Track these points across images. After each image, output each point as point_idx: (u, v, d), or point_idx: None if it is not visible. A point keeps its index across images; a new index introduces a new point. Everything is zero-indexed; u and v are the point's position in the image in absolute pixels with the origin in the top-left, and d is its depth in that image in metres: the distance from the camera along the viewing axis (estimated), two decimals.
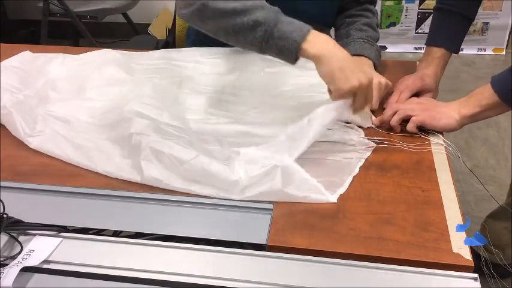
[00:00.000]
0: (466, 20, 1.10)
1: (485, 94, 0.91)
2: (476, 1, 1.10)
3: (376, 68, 1.10)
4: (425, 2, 3.03)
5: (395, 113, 0.95)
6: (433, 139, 0.93)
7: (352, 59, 0.89)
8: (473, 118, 0.93)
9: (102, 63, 1.16)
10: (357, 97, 0.87)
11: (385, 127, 0.96)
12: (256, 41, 0.88)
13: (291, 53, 0.87)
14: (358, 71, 0.86)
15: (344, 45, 1.12)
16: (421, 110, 0.94)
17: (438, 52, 1.08)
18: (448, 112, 0.93)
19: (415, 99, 1.01)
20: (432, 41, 1.10)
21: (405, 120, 0.95)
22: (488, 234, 1.39)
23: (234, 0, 0.89)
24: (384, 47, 3.10)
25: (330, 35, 1.21)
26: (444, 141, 0.92)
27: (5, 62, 1.14)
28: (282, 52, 0.88)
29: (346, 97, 0.87)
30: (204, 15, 0.91)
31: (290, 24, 0.87)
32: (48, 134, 0.94)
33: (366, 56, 1.10)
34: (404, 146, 0.91)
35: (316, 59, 0.86)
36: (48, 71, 1.15)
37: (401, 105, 0.97)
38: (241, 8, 0.88)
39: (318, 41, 0.87)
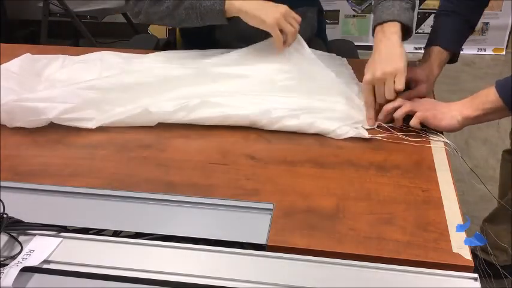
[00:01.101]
0: (467, 24, 1.10)
1: (490, 98, 0.90)
2: (479, 8, 1.10)
3: (410, 29, 1.02)
4: (425, 2, 3.04)
5: (398, 107, 0.96)
6: (433, 139, 0.93)
7: (264, 2, 1.06)
8: (476, 120, 0.92)
9: (102, 70, 1.16)
10: (284, 25, 1.03)
11: (385, 120, 0.97)
12: (196, 22, 1.11)
13: (221, 19, 1.08)
14: (273, 5, 1.05)
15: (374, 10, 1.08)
16: (425, 109, 0.94)
17: (434, 50, 1.08)
18: (450, 113, 0.93)
19: (418, 99, 1.01)
20: (429, 42, 1.10)
21: (406, 120, 0.95)
22: (487, 237, 1.39)
23: (164, 1, 1.10)
24: None
25: (318, 14, 1.19)
26: (444, 140, 0.92)
27: (4, 66, 1.14)
28: (216, 20, 1.09)
29: (277, 30, 1.03)
30: (150, 19, 1.15)
31: None
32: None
33: (393, 20, 1.00)
34: (405, 141, 0.91)
35: (239, 12, 1.06)
36: (47, 74, 1.15)
37: (406, 101, 0.97)
38: (172, 5, 1.10)
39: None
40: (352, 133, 0.94)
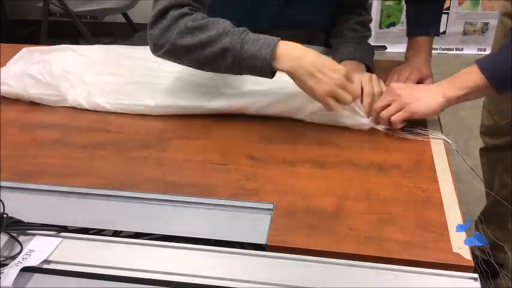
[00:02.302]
0: (437, 2, 1.14)
1: (472, 76, 0.91)
2: None
3: (371, 70, 1.11)
4: None
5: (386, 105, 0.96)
6: (433, 137, 0.93)
7: (322, 60, 0.90)
8: (458, 100, 0.93)
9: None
10: (339, 95, 0.89)
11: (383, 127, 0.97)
12: (230, 66, 0.92)
13: (264, 71, 0.91)
14: (329, 70, 0.89)
15: (337, 46, 1.15)
16: (399, 105, 0.93)
17: (422, 40, 1.11)
18: (429, 97, 0.93)
19: (392, 88, 0.98)
20: (413, 32, 1.13)
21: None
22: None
23: (200, 33, 0.92)
24: (384, 47, 3.11)
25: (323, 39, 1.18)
26: (444, 138, 0.92)
27: (5, 68, 1.15)
28: (257, 71, 0.92)
29: (329, 100, 0.89)
30: (176, 53, 0.95)
31: (256, 43, 0.90)
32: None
33: (358, 60, 1.11)
34: (405, 141, 0.91)
35: (288, 74, 0.90)
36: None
37: (379, 107, 0.96)
38: (207, 39, 0.91)
39: (285, 54, 0.89)
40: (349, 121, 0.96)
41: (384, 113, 0.94)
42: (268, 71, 0.90)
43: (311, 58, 0.89)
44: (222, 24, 0.92)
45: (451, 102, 0.92)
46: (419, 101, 0.93)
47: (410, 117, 0.93)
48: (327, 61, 0.92)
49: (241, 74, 0.95)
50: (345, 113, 0.96)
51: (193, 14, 0.95)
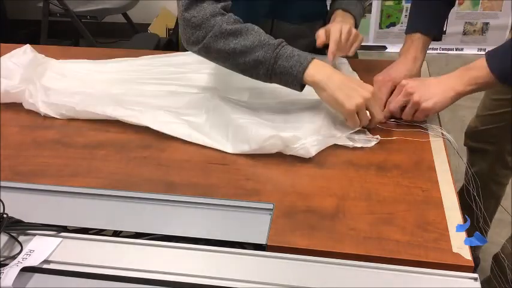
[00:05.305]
0: (446, 3, 1.09)
1: (482, 72, 0.91)
2: None
3: (357, 25, 1.12)
4: None
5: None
6: (433, 137, 0.93)
7: (349, 78, 0.94)
8: (468, 93, 0.94)
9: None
10: (362, 114, 0.91)
11: (387, 121, 0.97)
12: (261, 77, 0.95)
13: (294, 85, 0.94)
14: (358, 86, 0.91)
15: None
16: (414, 106, 0.95)
17: (415, 36, 1.06)
18: (442, 92, 0.93)
19: (403, 86, 0.97)
20: (409, 28, 1.08)
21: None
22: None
23: (234, 40, 0.93)
24: (384, 47, 3.10)
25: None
26: (444, 135, 0.92)
27: (4, 58, 1.13)
28: (287, 84, 0.95)
29: (356, 116, 0.90)
30: (209, 53, 0.97)
31: (290, 59, 0.92)
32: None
33: (350, 13, 1.11)
34: (404, 140, 0.91)
35: (316, 86, 0.92)
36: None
37: (393, 109, 0.98)
38: (240, 48, 0.93)
39: (316, 70, 0.92)
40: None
41: (403, 117, 0.96)
42: (298, 85, 0.93)
43: (340, 75, 0.93)
44: (257, 33, 0.94)
45: (461, 96, 0.94)
46: (432, 98, 0.93)
47: (425, 115, 0.95)
48: (355, 79, 0.98)
49: (271, 83, 0.96)
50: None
51: (225, 14, 0.96)
